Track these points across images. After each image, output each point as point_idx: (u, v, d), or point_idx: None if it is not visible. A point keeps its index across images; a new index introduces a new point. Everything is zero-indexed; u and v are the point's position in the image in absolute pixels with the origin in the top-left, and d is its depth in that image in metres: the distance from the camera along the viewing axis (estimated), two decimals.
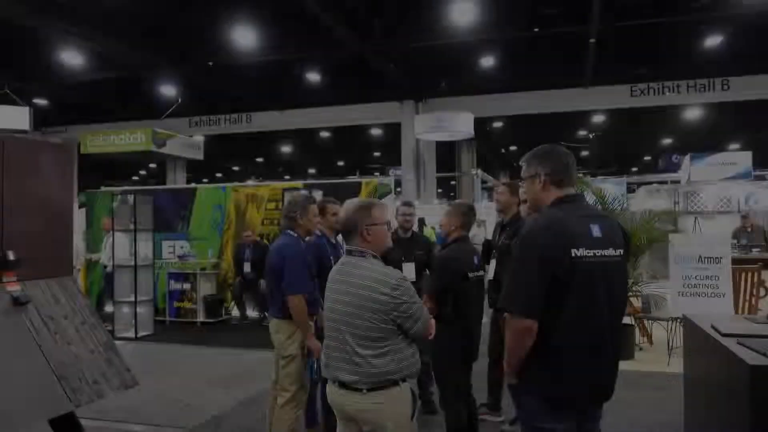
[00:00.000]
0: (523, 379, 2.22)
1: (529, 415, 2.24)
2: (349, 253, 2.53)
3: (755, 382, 2.16)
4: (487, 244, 4.66)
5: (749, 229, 10.22)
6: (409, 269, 4.90)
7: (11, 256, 3.18)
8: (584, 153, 28.66)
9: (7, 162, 3.25)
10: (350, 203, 2.58)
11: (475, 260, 3.71)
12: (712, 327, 2.83)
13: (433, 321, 2.60)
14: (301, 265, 3.61)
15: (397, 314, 2.36)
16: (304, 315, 3.56)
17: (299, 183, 10.33)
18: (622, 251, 2.24)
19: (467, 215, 3.75)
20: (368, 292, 2.36)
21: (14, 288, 3.19)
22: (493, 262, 4.43)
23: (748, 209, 12.49)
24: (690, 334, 3.43)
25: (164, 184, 21.21)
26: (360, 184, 9.21)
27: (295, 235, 3.79)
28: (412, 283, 4.52)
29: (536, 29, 12.50)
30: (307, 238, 3.96)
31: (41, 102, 18.33)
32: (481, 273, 3.78)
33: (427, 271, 4.80)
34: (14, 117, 14.46)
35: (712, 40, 13.46)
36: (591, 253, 2.13)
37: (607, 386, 2.26)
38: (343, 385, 2.41)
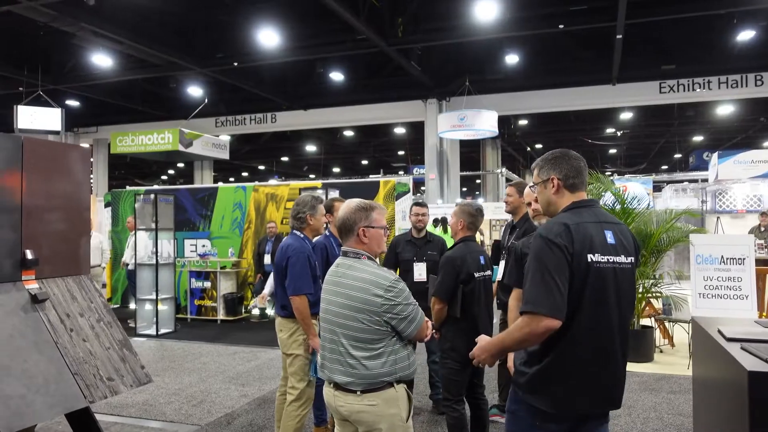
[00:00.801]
0: (527, 378, 2.19)
1: (524, 411, 2.21)
2: (345, 254, 2.52)
3: (753, 388, 2.10)
4: (497, 245, 4.64)
5: (762, 229, 9.93)
6: (421, 269, 4.91)
7: (30, 255, 3.30)
8: (612, 151, 28.18)
9: (26, 163, 3.35)
10: (350, 203, 2.56)
11: (482, 260, 3.70)
12: (718, 331, 2.77)
13: (429, 323, 2.58)
14: (304, 266, 3.62)
15: (390, 316, 2.35)
16: (307, 315, 3.57)
17: (318, 182, 10.40)
18: (632, 258, 2.25)
19: (474, 216, 3.73)
20: (362, 294, 2.35)
21: (32, 285, 3.31)
22: (502, 263, 4.40)
23: None
24: (698, 338, 3.36)
25: (192, 182, 21.62)
26: (378, 183, 9.24)
27: (302, 236, 3.81)
28: (422, 283, 4.58)
29: (561, 25, 12.32)
30: (315, 238, 3.98)
31: (73, 103, 18.83)
32: (488, 273, 3.75)
33: None
34: (47, 118, 14.87)
35: (745, 34, 13.06)
36: (605, 258, 2.14)
37: (613, 393, 2.22)
38: (337, 386, 2.41)
